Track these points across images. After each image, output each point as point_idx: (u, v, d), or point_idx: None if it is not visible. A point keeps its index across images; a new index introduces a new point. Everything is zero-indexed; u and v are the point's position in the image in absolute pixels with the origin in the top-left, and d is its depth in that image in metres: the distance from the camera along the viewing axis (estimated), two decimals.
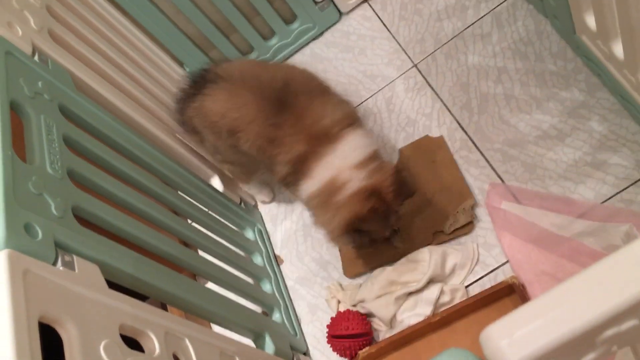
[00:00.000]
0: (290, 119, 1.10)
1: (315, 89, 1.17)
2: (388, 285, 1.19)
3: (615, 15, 0.92)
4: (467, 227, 1.21)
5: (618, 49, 1.00)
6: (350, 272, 1.29)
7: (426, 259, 1.18)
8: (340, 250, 1.33)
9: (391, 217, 1.10)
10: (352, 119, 1.13)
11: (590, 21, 1.05)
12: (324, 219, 1.12)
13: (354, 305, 1.22)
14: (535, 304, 0.38)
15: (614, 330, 0.38)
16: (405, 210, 1.21)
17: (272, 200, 1.50)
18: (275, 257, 1.40)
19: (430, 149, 1.32)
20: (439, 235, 1.23)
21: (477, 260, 1.18)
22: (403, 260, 1.22)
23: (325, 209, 1.10)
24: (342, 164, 1.08)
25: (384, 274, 1.20)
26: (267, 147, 1.12)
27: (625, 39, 0.94)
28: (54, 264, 0.67)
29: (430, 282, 1.16)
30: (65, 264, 0.68)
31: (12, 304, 0.55)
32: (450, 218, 1.22)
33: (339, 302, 1.26)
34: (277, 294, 1.30)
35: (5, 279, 0.58)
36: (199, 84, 1.23)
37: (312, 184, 1.10)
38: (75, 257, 0.70)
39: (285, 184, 1.18)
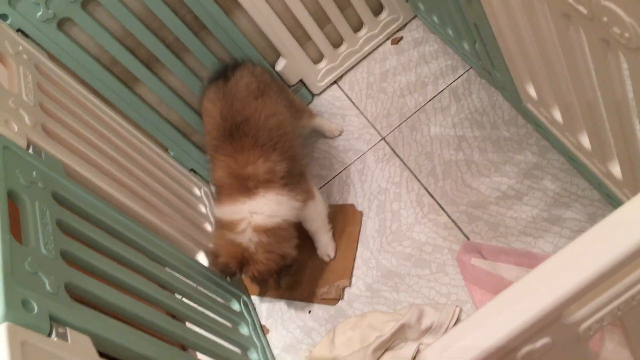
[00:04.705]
0: (227, 150, 1.28)
1: (266, 142, 1.28)
2: (367, 328, 1.25)
3: (549, 86, 1.04)
4: (333, 301, 1.37)
5: (557, 115, 1.11)
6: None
7: (405, 312, 1.24)
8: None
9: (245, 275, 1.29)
10: (274, 176, 1.27)
11: (532, 91, 1.16)
12: (214, 240, 1.32)
13: None
14: (455, 331, 0.45)
15: (529, 348, 0.45)
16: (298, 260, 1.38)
17: None
18: (262, 326, 1.45)
19: (348, 218, 1.48)
20: (311, 295, 1.40)
21: (457, 321, 1.23)
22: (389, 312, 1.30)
23: (219, 234, 1.29)
24: (245, 216, 1.25)
25: (367, 318, 1.27)
26: (211, 154, 1.34)
27: (560, 106, 1.05)
28: (49, 335, 0.73)
29: (408, 340, 1.21)
30: (59, 335, 0.74)
31: None
32: (326, 287, 1.39)
33: None
34: None
35: (5, 350, 0.64)
36: (218, 76, 1.43)
37: (220, 212, 1.29)
38: (68, 329, 0.77)
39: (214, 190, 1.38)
